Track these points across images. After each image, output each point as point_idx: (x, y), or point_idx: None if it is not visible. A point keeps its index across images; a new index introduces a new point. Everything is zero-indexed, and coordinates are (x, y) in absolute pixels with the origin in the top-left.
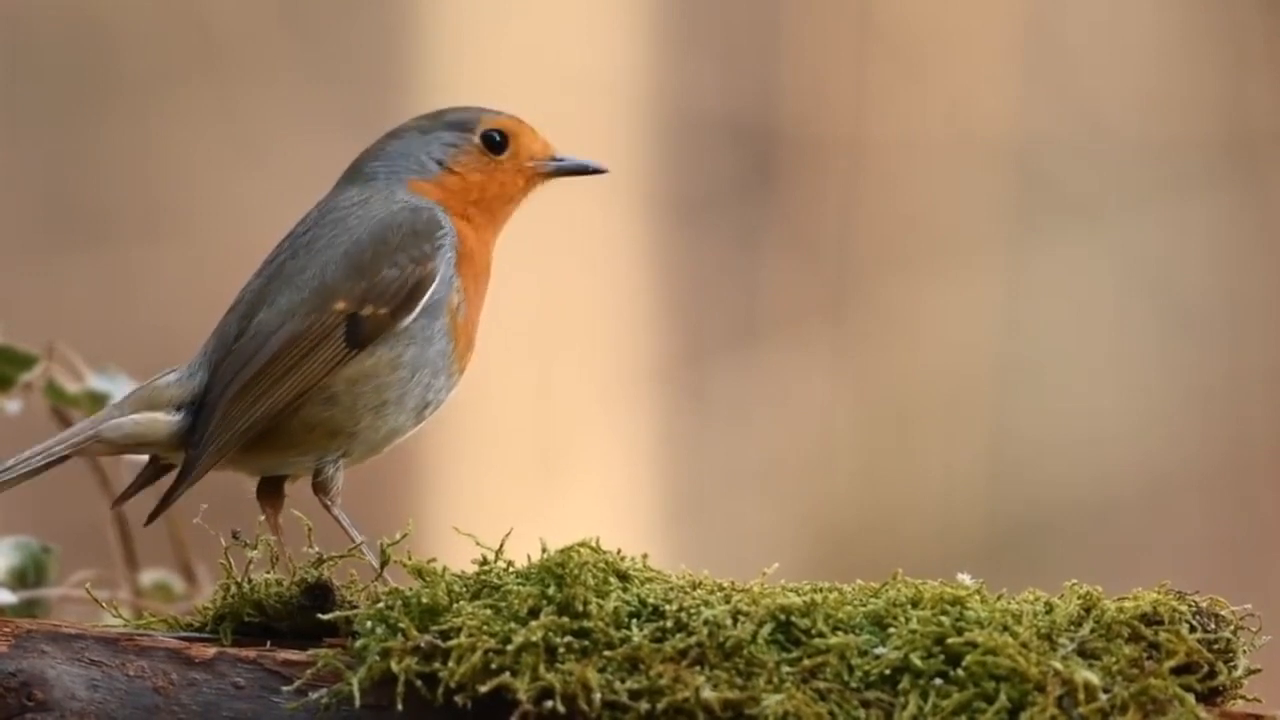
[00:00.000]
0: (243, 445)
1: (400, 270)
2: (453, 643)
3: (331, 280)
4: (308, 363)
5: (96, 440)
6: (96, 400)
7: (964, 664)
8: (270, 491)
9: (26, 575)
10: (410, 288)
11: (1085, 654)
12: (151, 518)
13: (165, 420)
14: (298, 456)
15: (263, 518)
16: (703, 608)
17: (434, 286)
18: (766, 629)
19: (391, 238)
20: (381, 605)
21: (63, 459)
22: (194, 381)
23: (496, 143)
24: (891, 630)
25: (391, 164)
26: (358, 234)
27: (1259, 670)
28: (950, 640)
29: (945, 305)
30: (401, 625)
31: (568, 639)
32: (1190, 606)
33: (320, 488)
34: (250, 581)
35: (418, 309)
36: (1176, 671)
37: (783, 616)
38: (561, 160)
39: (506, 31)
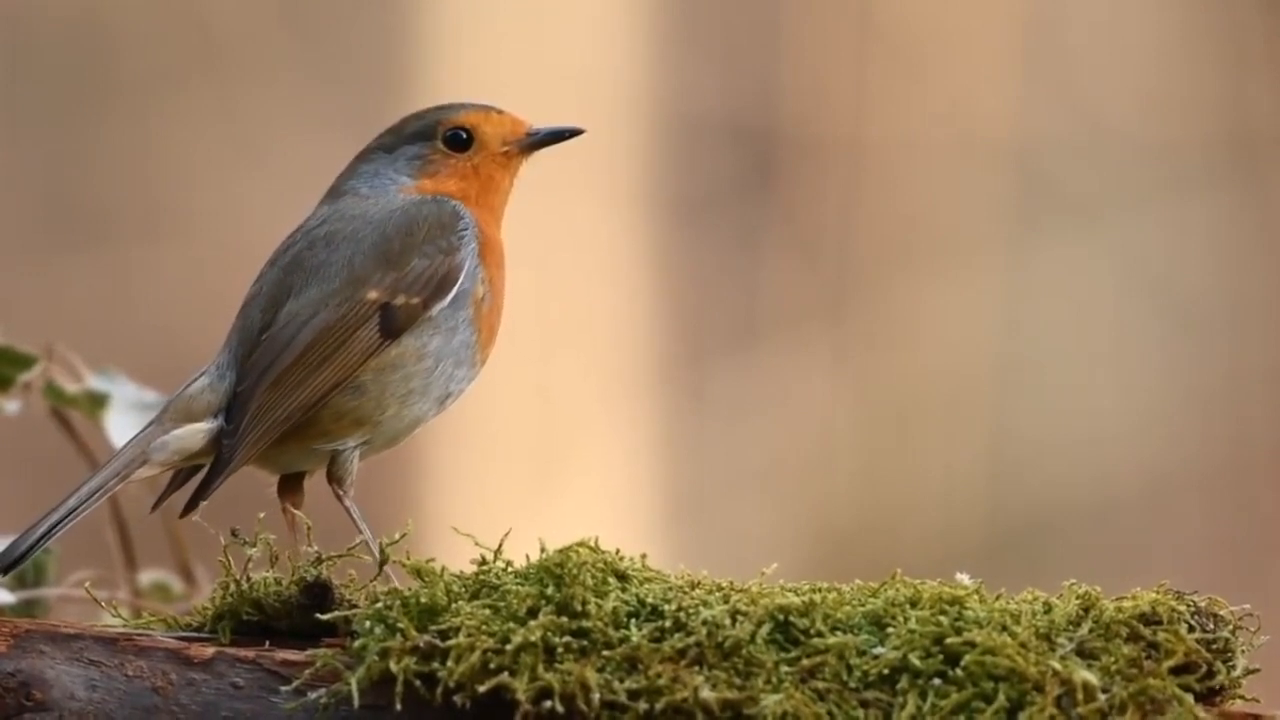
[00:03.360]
0: (276, 446)
1: (430, 260)
2: (451, 642)
3: (361, 270)
4: (342, 352)
5: (144, 464)
6: (95, 401)
7: (963, 664)
8: (290, 489)
9: (25, 575)
10: (440, 278)
11: (1084, 654)
12: (186, 511)
13: (205, 429)
14: (322, 445)
15: (262, 515)
16: (701, 608)
17: (462, 276)
18: (765, 629)
19: (417, 230)
20: (380, 605)
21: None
22: (225, 383)
23: (463, 140)
24: (890, 630)
25: (370, 183)
26: (383, 226)
27: (1258, 670)
28: (949, 640)
29: (945, 305)
30: (400, 625)
31: (566, 639)
32: (1189, 606)
33: (335, 477)
34: (249, 580)
35: (448, 298)
36: (1175, 671)
37: (781, 616)
38: (536, 133)
39: (507, 32)
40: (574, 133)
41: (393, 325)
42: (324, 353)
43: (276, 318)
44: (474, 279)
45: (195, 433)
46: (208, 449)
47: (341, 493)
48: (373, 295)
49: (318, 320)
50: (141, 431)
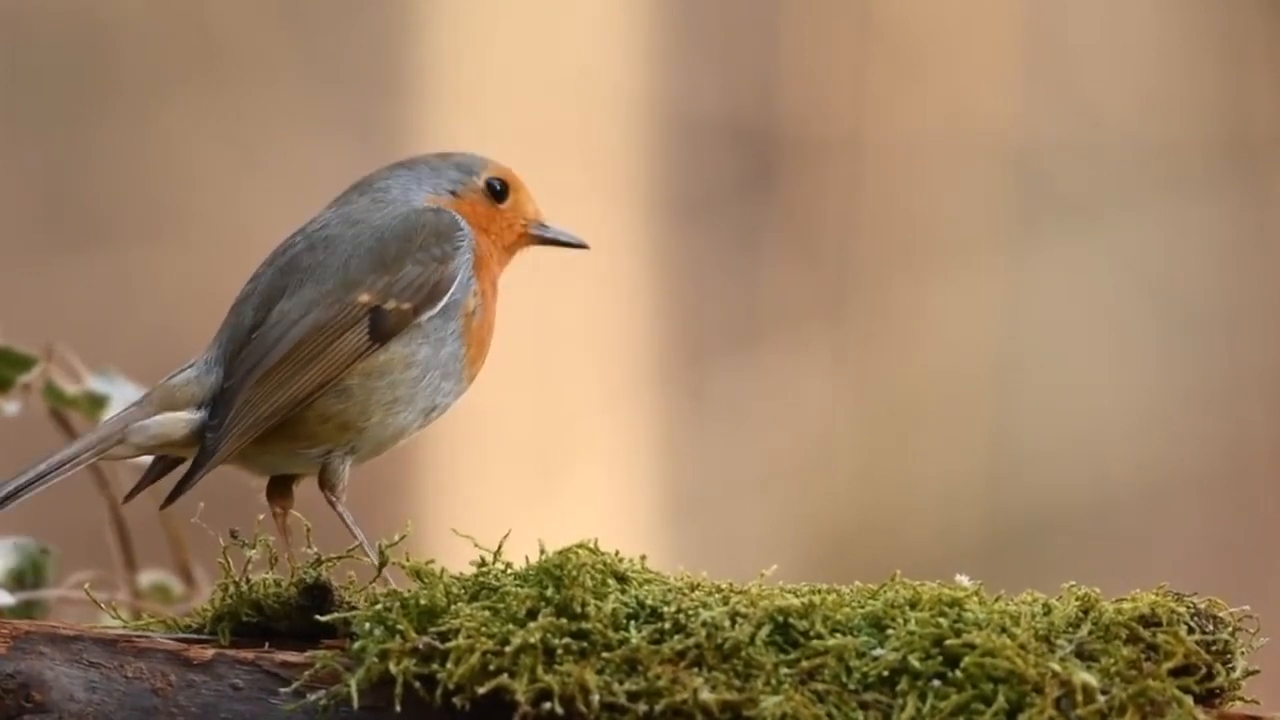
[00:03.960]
0: (257, 436)
1: (423, 268)
2: (451, 644)
3: (355, 273)
4: (330, 352)
5: (121, 443)
6: (95, 402)
7: (962, 665)
8: (279, 493)
9: (25, 577)
10: (432, 285)
11: (1083, 655)
12: (167, 503)
13: (187, 419)
14: (306, 449)
15: (261, 517)
16: (701, 609)
17: (453, 287)
18: (765, 630)
19: (415, 236)
20: (380, 606)
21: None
22: (211, 376)
23: (498, 190)
24: (890, 632)
25: (405, 184)
26: (381, 230)
27: (1257, 671)
28: (948, 642)
29: (945, 305)
30: (400, 627)
31: (566, 640)
32: (1188, 608)
33: (326, 483)
34: (249, 582)
35: (439, 306)
36: (1175, 673)
37: (781, 618)
38: (546, 229)
39: (506, 33)
40: (580, 245)
41: (382, 330)
42: (312, 352)
43: (268, 316)
44: (466, 290)
45: (176, 421)
46: (188, 440)
47: (334, 499)
48: (364, 298)
49: (308, 320)
50: (123, 411)
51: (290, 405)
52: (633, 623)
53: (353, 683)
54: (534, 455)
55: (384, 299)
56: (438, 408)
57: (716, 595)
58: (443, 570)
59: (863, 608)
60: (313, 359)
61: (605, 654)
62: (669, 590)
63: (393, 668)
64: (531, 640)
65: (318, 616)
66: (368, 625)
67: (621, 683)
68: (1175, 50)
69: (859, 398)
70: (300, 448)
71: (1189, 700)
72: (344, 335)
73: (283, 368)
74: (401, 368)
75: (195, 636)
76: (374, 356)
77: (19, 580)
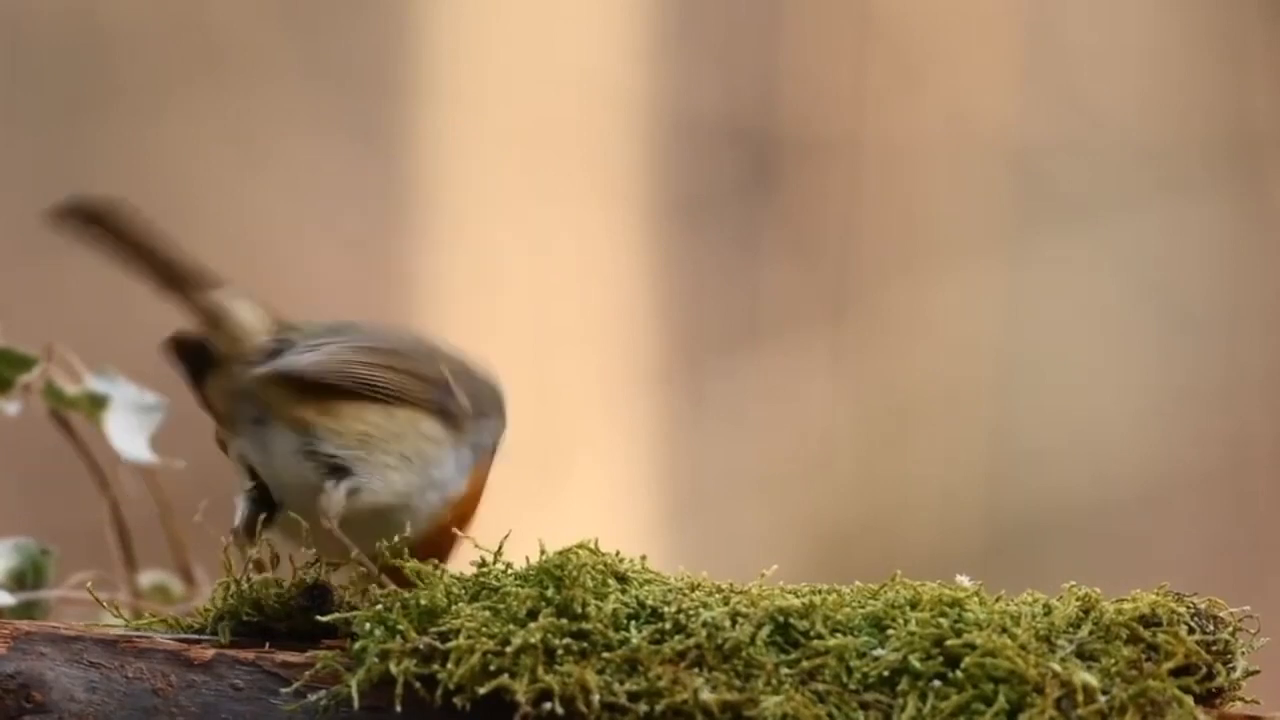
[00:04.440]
0: (297, 395)
1: (477, 400)
2: (451, 644)
3: (437, 355)
4: (405, 376)
5: None
6: (95, 402)
7: (962, 666)
8: (248, 533)
9: (25, 577)
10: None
11: (1084, 655)
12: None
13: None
14: (315, 444)
15: (263, 517)
16: (701, 609)
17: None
18: (765, 631)
19: (482, 385)
20: (380, 607)
21: None
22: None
23: None
24: (890, 632)
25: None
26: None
27: (1258, 672)
28: (949, 642)
29: (945, 306)
30: (400, 627)
31: (566, 641)
32: (1189, 608)
33: (320, 508)
34: (249, 581)
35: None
36: (1175, 673)
37: (781, 618)
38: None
39: (506, 33)
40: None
41: (441, 402)
42: (397, 362)
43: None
44: (463, 470)
45: (255, 315)
46: (251, 332)
47: (328, 523)
48: (444, 370)
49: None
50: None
51: (352, 376)
52: (633, 623)
53: (353, 683)
54: (534, 455)
55: (454, 384)
56: (410, 507)
57: (717, 595)
58: (443, 571)
59: (863, 608)
60: (392, 367)
61: (606, 654)
62: (669, 590)
63: (393, 668)
64: (532, 640)
65: (318, 617)
66: (368, 625)
67: (622, 683)
68: (1175, 50)
69: (859, 398)
70: (312, 441)
71: (1189, 700)
72: (420, 377)
73: (370, 353)
74: (432, 438)
75: (195, 636)
76: (423, 410)
77: (19, 580)
